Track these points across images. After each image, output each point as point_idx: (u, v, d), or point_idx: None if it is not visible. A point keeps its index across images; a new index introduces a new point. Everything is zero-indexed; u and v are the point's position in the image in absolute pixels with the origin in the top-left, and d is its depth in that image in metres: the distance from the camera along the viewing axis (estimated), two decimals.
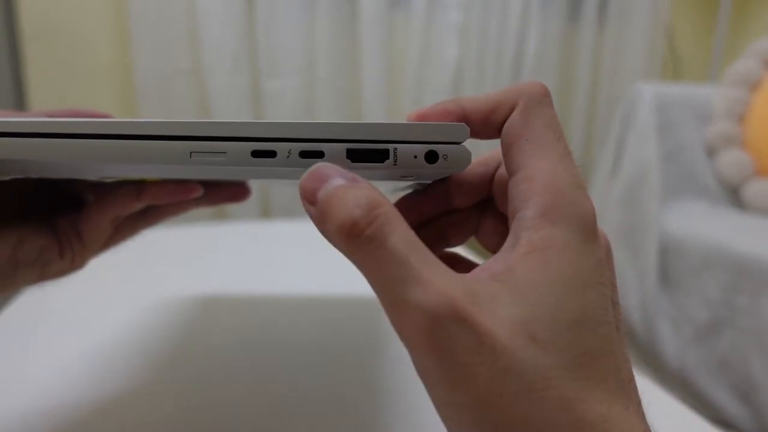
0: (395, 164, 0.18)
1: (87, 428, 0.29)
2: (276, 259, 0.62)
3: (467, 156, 0.18)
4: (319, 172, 0.17)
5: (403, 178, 0.20)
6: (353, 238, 0.15)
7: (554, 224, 0.16)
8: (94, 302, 0.46)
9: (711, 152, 1.30)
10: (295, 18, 1.35)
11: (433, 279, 0.15)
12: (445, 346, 0.14)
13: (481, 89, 1.50)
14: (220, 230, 0.73)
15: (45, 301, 0.45)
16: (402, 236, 0.15)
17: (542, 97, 0.18)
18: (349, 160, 0.18)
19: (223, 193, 0.31)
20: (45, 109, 0.25)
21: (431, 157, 0.18)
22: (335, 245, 0.16)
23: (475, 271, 0.17)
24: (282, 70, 1.36)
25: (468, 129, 0.18)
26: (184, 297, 0.48)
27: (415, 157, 0.18)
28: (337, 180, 0.16)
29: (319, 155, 0.17)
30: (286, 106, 1.38)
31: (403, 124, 0.18)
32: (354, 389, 0.34)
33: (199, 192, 0.26)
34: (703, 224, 1.13)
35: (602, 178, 1.32)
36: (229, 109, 1.34)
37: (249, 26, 1.33)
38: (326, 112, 1.41)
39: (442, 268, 0.15)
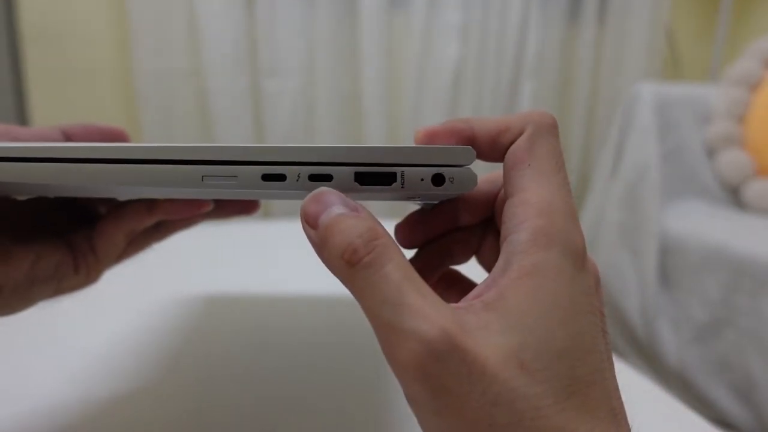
0: (402, 187, 0.18)
1: (92, 428, 0.29)
2: (277, 259, 0.62)
3: (473, 178, 0.18)
4: (322, 198, 0.17)
5: (410, 199, 0.20)
6: (352, 265, 0.16)
7: (546, 250, 0.16)
8: (95, 303, 0.46)
9: (711, 152, 1.30)
10: (295, 18, 1.35)
11: (425, 308, 0.15)
12: (435, 375, 0.14)
13: (481, 89, 1.50)
14: (221, 230, 0.73)
15: (47, 302, 0.45)
16: (398, 265, 0.16)
17: (550, 128, 0.19)
18: (357, 183, 0.18)
19: (233, 206, 0.31)
20: (56, 124, 0.25)
21: (438, 179, 0.18)
22: (333, 270, 0.17)
23: (468, 297, 0.17)
24: (282, 70, 1.36)
25: (474, 152, 0.18)
26: (185, 297, 0.48)
27: (422, 180, 0.18)
28: (339, 208, 0.17)
29: (327, 178, 0.18)
30: (286, 106, 1.38)
31: (410, 147, 0.18)
32: (359, 390, 0.34)
33: (210, 207, 0.27)
34: (703, 224, 1.13)
35: (602, 178, 1.32)
36: (229, 109, 1.34)
37: (249, 26, 1.33)
38: (326, 112, 1.41)
39: (435, 298, 0.15)
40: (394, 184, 0.18)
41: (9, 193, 0.21)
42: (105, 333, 0.41)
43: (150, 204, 0.26)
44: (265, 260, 0.61)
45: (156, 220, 0.26)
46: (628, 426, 0.16)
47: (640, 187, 1.19)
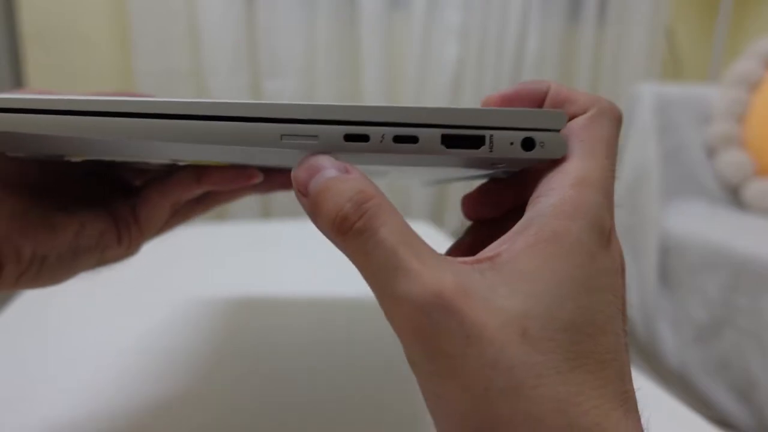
0: (491, 151, 0.17)
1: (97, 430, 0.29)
2: (279, 259, 0.62)
3: (563, 144, 0.17)
4: (312, 163, 0.17)
5: (493, 165, 0.19)
6: (344, 233, 0.15)
7: (571, 220, 0.16)
8: (97, 305, 0.46)
9: (711, 152, 1.30)
10: (295, 18, 1.35)
11: (422, 270, 0.14)
12: (431, 337, 0.14)
13: (481, 89, 1.50)
14: (221, 230, 0.73)
15: (46, 305, 0.45)
16: (392, 228, 0.15)
17: (615, 118, 0.18)
18: (443, 146, 0.17)
19: (277, 180, 0.30)
20: (89, 91, 0.25)
21: (528, 144, 0.17)
22: (327, 237, 0.16)
23: (482, 252, 0.16)
24: (282, 70, 1.36)
25: (566, 117, 0.18)
26: (187, 298, 0.48)
27: (512, 143, 0.17)
28: (329, 171, 0.16)
29: (413, 140, 0.17)
30: None
31: (500, 109, 0.17)
32: (369, 389, 0.34)
33: (260, 179, 0.26)
34: (703, 224, 1.13)
35: None
36: None
37: (249, 26, 1.33)
38: None
39: (435, 257, 0.15)
40: (482, 148, 0.17)
41: (75, 151, 0.20)
42: (110, 336, 0.41)
43: (199, 173, 0.25)
44: (267, 260, 0.61)
45: (204, 190, 0.26)
46: (638, 414, 0.15)
47: (640, 187, 1.19)
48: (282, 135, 0.17)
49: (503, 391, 0.14)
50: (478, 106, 0.19)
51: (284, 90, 1.37)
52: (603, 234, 0.16)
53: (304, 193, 0.17)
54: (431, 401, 0.15)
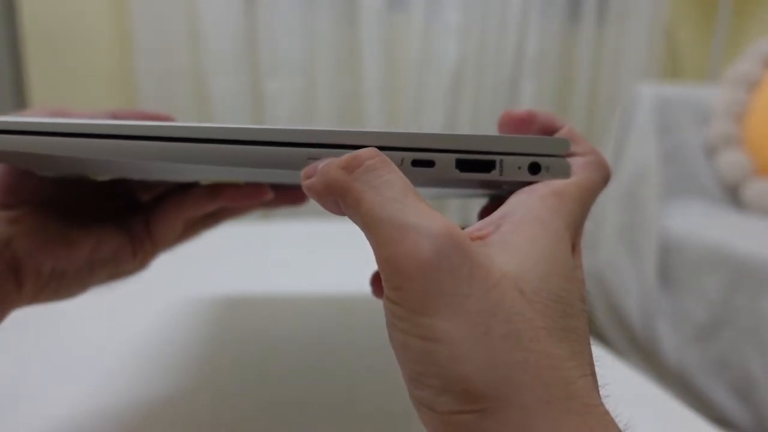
0: (501, 174, 0.19)
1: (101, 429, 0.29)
2: (279, 259, 0.62)
3: (567, 168, 0.19)
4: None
5: (498, 187, 0.20)
6: (352, 170, 0.16)
7: (553, 214, 0.17)
8: (97, 305, 0.46)
9: (710, 152, 1.30)
10: (295, 18, 1.35)
11: (431, 211, 0.15)
12: (436, 270, 0.14)
13: (481, 89, 1.50)
14: (221, 231, 0.73)
15: (46, 306, 0.45)
16: (401, 177, 0.16)
17: (605, 174, 0.19)
18: (457, 170, 0.18)
19: (285, 196, 0.31)
20: (105, 108, 0.25)
21: (534, 168, 0.19)
22: (329, 190, 0.16)
23: (469, 231, 0.17)
24: (282, 70, 1.36)
25: (570, 144, 0.19)
26: (186, 298, 0.48)
27: (519, 168, 0.19)
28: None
29: (429, 164, 0.18)
30: (286, 106, 1.38)
31: (509, 136, 0.19)
32: (372, 388, 0.34)
33: (271, 196, 0.27)
34: (703, 224, 1.13)
35: None
36: (230, 109, 1.34)
37: (249, 27, 1.33)
38: (326, 112, 1.41)
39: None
40: (492, 172, 0.19)
41: (108, 172, 0.21)
42: (110, 336, 0.41)
43: (213, 191, 0.26)
44: (267, 261, 0.61)
45: (218, 206, 0.27)
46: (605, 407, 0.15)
47: (640, 187, 1.19)
48: (308, 158, 0.18)
49: (504, 337, 0.14)
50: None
51: (284, 90, 1.37)
52: (574, 240, 0.17)
53: (312, 175, 0.17)
54: (414, 349, 0.14)
